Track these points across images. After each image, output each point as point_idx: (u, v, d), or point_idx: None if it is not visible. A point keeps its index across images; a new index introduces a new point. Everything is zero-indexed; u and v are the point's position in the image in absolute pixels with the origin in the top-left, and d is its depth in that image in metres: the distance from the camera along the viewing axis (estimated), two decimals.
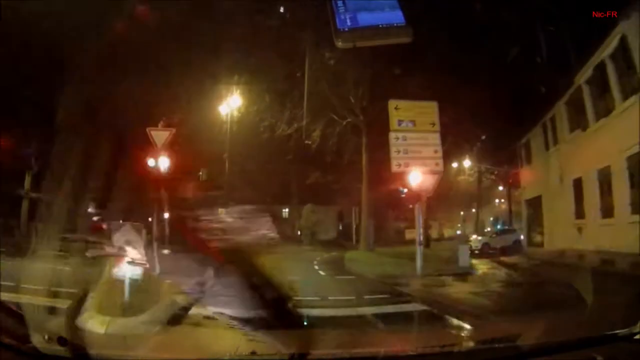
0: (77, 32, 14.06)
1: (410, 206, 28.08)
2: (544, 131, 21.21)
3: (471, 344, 3.43)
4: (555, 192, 19.75)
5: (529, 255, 21.04)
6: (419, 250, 12.10)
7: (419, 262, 12.00)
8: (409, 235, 41.55)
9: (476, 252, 22.42)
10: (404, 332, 5.15)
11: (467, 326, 6.15)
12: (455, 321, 6.90)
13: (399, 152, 12.00)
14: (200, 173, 26.32)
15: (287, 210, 46.27)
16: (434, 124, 12.63)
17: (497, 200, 44.18)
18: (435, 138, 12.55)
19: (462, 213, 46.23)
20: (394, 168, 11.96)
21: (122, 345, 3.41)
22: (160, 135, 9.95)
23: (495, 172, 34.65)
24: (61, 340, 2.55)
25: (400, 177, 12.26)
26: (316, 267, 15.61)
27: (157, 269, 8.59)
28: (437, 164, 12.37)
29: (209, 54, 19.32)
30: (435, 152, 12.45)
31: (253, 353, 2.82)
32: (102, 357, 2.64)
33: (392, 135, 12.09)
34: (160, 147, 9.91)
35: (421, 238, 12.25)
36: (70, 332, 2.83)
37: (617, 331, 2.60)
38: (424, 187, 12.06)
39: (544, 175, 21.20)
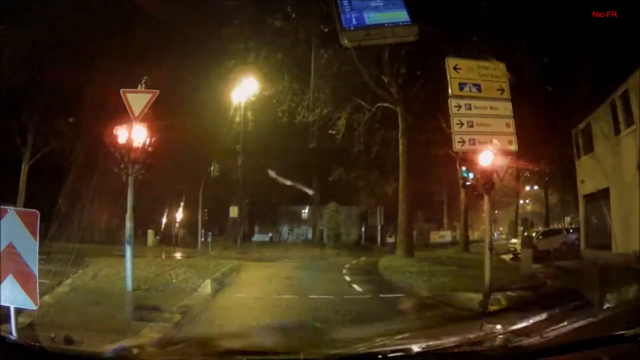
0: None
1: (463, 199, 25.42)
2: (612, 111, 17.84)
3: (478, 344, 3.33)
4: (630, 182, 16.56)
5: (594, 260, 18.38)
6: (487, 256, 9.04)
7: (487, 273, 8.97)
8: (434, 237, 39.11)
9: (519, 255, 19.97)
10: (411, 330, 5.06)
11: (475, 326, 5.89)
12: (462, 321, 6.68)
13: (461, 124, 8.99)
14: (212, 168, 23.65)
15: (306, 210, 43.54)
16: (502, 90, 9.62)
17: (521, 201, 42.77)
18: (506, 108, 9.54)
19: (496, 212, 43.78)
20: (457, 146, 8.96)
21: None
22: (138, 98, 7.12)
23: (536, 169, 31.46)
24: (67, 339, 2.90)
25: (465, 157, 9.22)
26: (348, 278, 13.05)
27: None
28: (510, 141, 9.36)
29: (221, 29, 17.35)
30: (507, 125, 9.44)
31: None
32: (106, 355, 2.75)
33: (452, 102, 9.09)
34: (138, 115, 7.06)
35: (491, 240, 9.15)
36: None
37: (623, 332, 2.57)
38: (495, 171, 9.03)
39: (614, 163, 18.01)
